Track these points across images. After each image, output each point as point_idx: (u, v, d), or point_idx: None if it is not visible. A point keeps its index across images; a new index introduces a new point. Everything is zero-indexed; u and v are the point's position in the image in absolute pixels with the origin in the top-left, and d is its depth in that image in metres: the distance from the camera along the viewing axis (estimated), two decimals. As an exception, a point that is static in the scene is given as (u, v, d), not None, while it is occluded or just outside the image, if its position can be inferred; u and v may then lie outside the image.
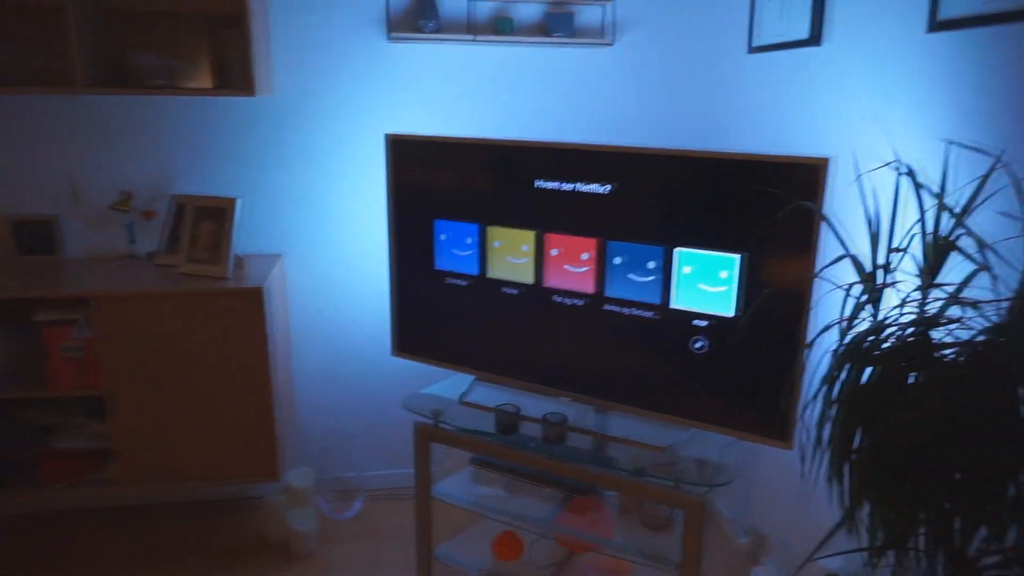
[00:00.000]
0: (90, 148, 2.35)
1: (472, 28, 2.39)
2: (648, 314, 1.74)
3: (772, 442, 1.64)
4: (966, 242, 1.15)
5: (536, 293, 1.88)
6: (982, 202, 1.25)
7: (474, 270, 1.95)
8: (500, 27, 2.36)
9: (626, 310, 1.77)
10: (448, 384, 2.09)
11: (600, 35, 2.46)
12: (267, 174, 2.45)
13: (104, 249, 2.43)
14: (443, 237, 1.98)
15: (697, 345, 1.70)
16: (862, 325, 1.19)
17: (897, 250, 1.25)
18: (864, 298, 1.21)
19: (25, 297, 2.04)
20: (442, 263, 2.00)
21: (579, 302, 1.82)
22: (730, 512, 2.55)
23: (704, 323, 1.67)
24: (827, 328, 1.27)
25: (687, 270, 1.67)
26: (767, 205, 1.54)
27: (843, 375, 1.13)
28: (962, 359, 1.07)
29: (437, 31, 2.32)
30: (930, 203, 1.24)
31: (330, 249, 2.54)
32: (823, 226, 1.49)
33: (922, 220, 1.20)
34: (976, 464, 1.04)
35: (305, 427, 2.69)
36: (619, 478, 1.70)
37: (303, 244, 2.52)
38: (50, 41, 2.21)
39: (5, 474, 2.24)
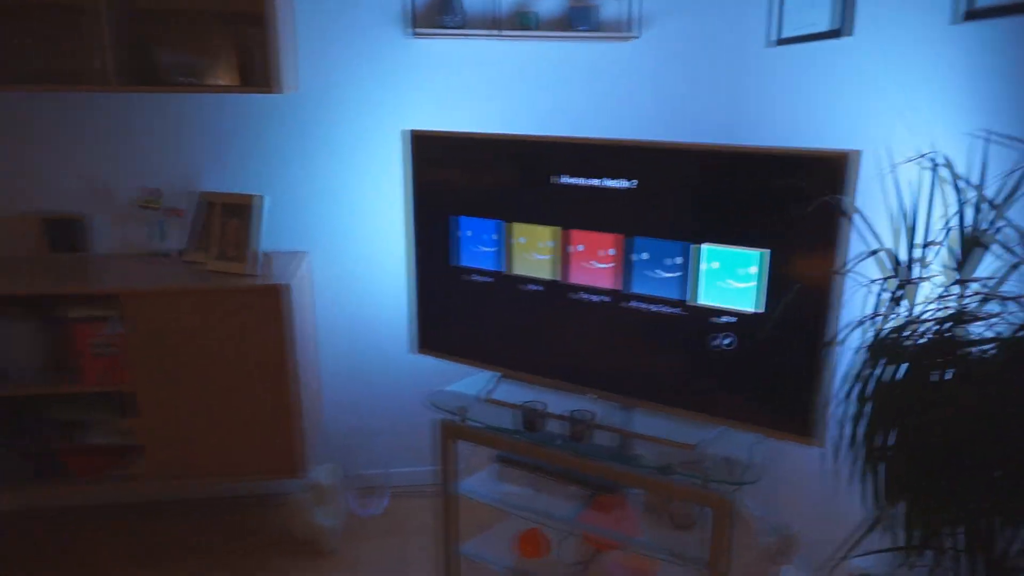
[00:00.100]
0: (118, 146, 2.38)
1: (495, 23, 2.38)
2: (672, 310, 1.72)
3: (800, 439, 1.61)
4: (1001, 235, 1.12)
5: (559, 290, 1.87)
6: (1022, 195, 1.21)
7: (496, 267, 1.94)
8: (523, 21, 2.35)
9: (650, 307, 1.75)
10: (472, 381, 2.08)
11: (624, 29, 2.44)
12: (291, 171, 2.46)
13: (133, 246, 2.46)
14: (465, 234, 1.97)
15: (724, 342, 1.67)
16: (893, 321, 1.16)
17: (928, 244, 1.21)
18: (895, 293, 1.18)
19: (56, 294, 2.07)
20: (463, 260, 1.99)
21: (602, 299, 1.81)
22: (757, 510, 2.51)
23: (729, 319, 1.65)
24: (856, 324, 1.25)
25: (711, 266, 1.65)
26: (792, 200, 1.51)
27: (875, 371, 1.11)
28: (999, 355, 1.04)
29: (460, 26, 2.32)
30: (962, 196, 1.20)
31: (354, 246, 2.55)
32: (850, 221, 1.46)
33: (960, 213, 1.16)
34: (1016, 462, 1.01)
35: (329, 424, 2.70)
36: (645, 476, 1.68)
37: (327, 241, 2.53)
38: (79, 40, 2.24)
39: (36, 468, 2.28)
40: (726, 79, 2.53)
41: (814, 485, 2.11)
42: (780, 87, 2.23)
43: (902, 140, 1.64)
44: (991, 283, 1.09)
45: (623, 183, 1.72)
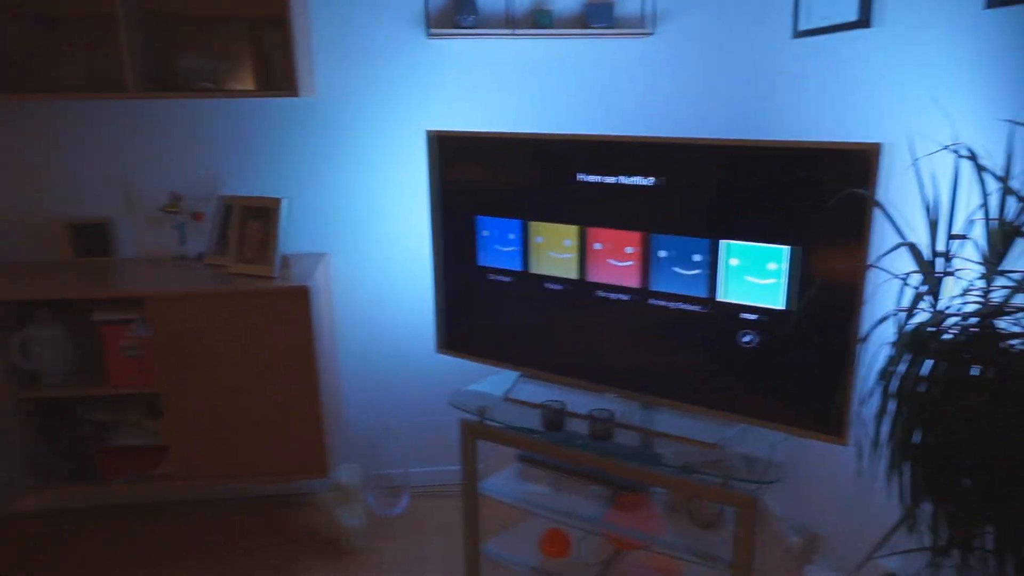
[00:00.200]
0: (141, 151, 2.41)
1: (511, 22, 2.38)
2: (695, 308, 1.71)
3: (826, 438, 1.59)
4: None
5: (580, 288, 1.86)
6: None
7: (517, 266, 1.94)
8: (539, 20, 2.34)
9: (672, 304, 1.74)
10: (493, 381, 2.08)
11: (640, 25, 2.43)
12: (311, 174, 2.48)
13: (157, 250, 2.49)
14: (485, 233, 1.97)
15: (746, 339, 1.66)
16: (921, 316, 1.14)
17: (958, 237, 1.19)
18: (924, 287, 1.16)
19: (84, 297, 2.10)
20: (485, 259, 1.99)
21: (624, 297, 1.80)
22: (781, 510, 2.49)
23: (753, 316, 1.63)
24: (883, 320, 1.23)
25: (734, 262, 1.63)
26: (816, 194, 1.50)
27: (903, 368, 1.09)
28: (1032, 350, 1.02)
29: (476, 26, 2.32)
30: (994, 187, 1.18)
31: (374, 247, 2.56)
32: (876, 214, 1.44)
33: (985, 205, 1.14)
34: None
35: (351, 424, 2.72)
36: (668, 475, 1.67)
37: (348, 242, 2.55)
38: (102, 48, 2.28)
39: (68, 468, 2.32)
40: (744, 73, 2.50)
41: (839, 484, 2.09)
42: (801, 80, 2.20)
43: (931, 130, 1.62)
44: (1021, 276, 1.06)
45: (643, 180, 1.71)
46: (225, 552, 2.40)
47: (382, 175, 2.50)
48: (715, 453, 1.69)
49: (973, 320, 1.08)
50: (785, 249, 1.56)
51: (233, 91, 2.30)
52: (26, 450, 2.25)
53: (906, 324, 1.13)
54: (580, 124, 2.51)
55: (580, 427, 1.83)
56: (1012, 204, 1.12)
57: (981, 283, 1.12)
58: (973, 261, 1.21)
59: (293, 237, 2.53)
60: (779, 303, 1.59)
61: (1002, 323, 1.08)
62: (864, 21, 1.81)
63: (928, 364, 1.09)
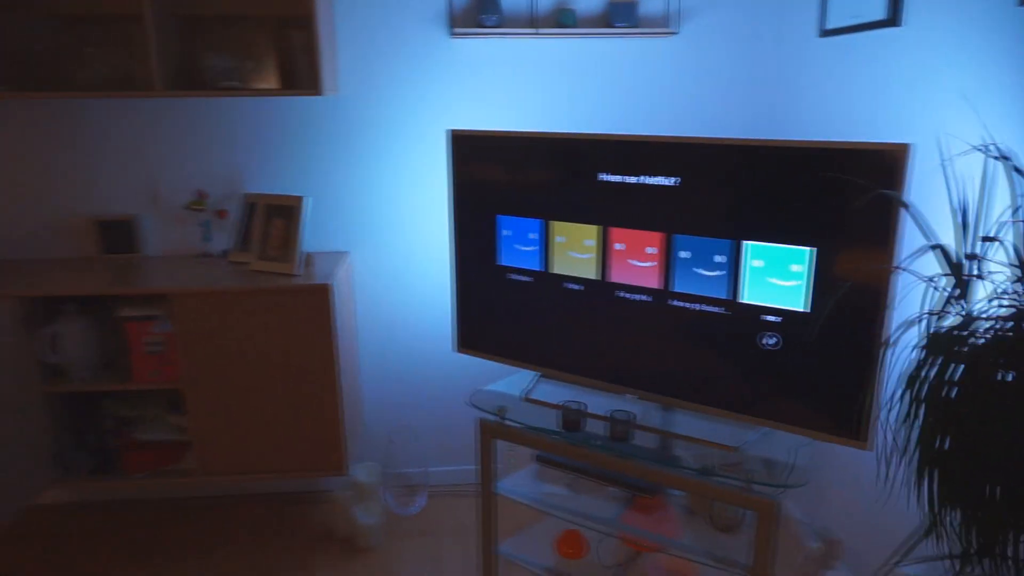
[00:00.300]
0: (166, 149, 2.44)
1: (534, 21, 2.37)
2: (716, 309, 1.69)
3: (848, 442, 1.57)
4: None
5: (600, 289, 1.85)
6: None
7: (537, 266, 1.94)
8: (562, 19, 2.34)
9: (693, 305, 1.72)
10: (512, 381, 2.08)
11: (663, 24, 2.41)
12: (334, 172, 2.50)
13: (181, 247, 2.52)
14: (506, 233, 1.97)
15: (768, 341, 1.64)
16: (949, 319, 1.12)
17: (988, 239, 1.17)
18: (953, 291, 1.14)
19: (110, 294, 2.13)
20: (505, 259, 1.99)
21: (644, 298, 1.79)
22: (801, 514, 2.46)
23: (775, 319, 1.61)
24: (910, 323, 1.21)
25: (757, 264, 1.61)
26: (842, 195, 1.47)
27: (931, 372, 1.07)
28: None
29: (499, 25, 2.32)
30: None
31: (395, 246, 2.57)
32: (902, 216, 1.41)
33: (1018, 207, 1.12)
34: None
35: (369, 422, 2.73)
36: (688, 478, 1.66)
37: (369, 241, 2.56)
38: (129, 47, 2.31)
39: (91, 462, 2.35)
40: (769, 72, 2.48)
41: (860, 489, 2.06)
42: (827, 79, 2.17)
43: (961, 131, 1.59)
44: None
45: (666, 180, 1.70)
46: (242, 548, 2.42)
47: (403, 174, 2.51)
48: (735, 456, 1.67)
49: (1004, 324, 1.05)
50: (809, 251, 1.54)
51: (257, 90, 2.33)
52: (51, 443, 2.29)
53: (934, 328, 1.11)
54: (603, 124, 2.50)
55: (599, 428, 1.82)
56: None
57: (1013, 287, 1.10)
58: (1004, 264, 1.19)
59: (315, 235, 2.54)
60: (802, 305, 1.57)
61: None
62: (893, 19, 1.78)
63: (956, 369, 1.06)
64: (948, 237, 1.63)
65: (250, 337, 2.18)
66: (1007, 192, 1.36)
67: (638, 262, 1.77)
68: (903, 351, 1.74)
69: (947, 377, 1.05)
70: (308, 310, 2.16)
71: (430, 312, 2.63)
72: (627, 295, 1.81)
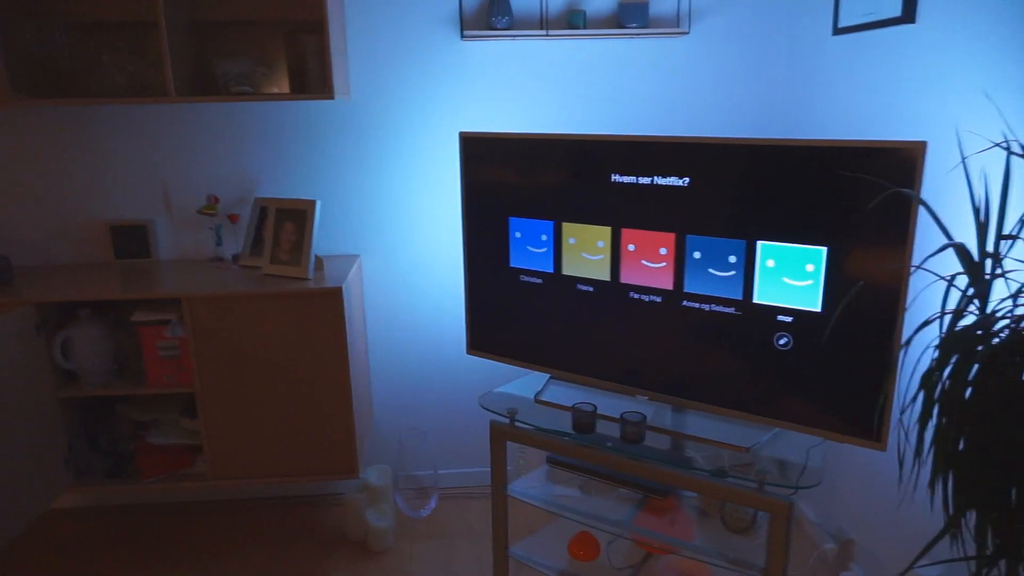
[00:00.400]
0: (179, 154, 2.46)
1: (545, 23, 2.37)
2: (729, 310, 1.68)
3: (864, 443, 1.55)
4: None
5: (612, 290, 1.85)
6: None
7: (549, 267, 1.93)
8: (573, 21, 2.34)
9: (706, 306, 1.71)
10: (523, 383, 2.08)
11: (675, 24, 2.40)
12: (345, 176, 2.50)
13: (193, 252, 2.54)
14: (517, 235, 1.97)
15: (781, 341, 1.63)
16: (967, 319, 1.11)
17: (1008, 237, 1.15)
18: (971, 290, 1.12)
19: (122, 298, 2.15)
20: (516, 261, 1.99)
21: (657, 298, 1.78)
22: (815, 515, 2.44)
23: (789, 319, 1.60)
24: (927, 323, 1.19)
25: (771, 264, 1.60)
26: (857, 194, 1.46)
27: (947, 371, 1.06)
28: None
29: (509, 27, 2.32)
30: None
31: (406, 249, 2.57)
32: (918, 215, 1.40)
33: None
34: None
35: (381, 425, 2.73)
36: (700, 479, 1.65)
37: (380, 244, 2.56)
38: (143, 53, 2.33)
39: (106, 467, 2.36)
40: (783, 71, 2.47)
41: (875, 490, 2.04)
42: (841, 78, 2.16)
43: (979, 127, 1.57)
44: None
45: (678, 181, 1.69)
46: (254, 551, 2.43)
47: (415, 177, 2.51)
48: (749, 457, 1.66)
49: (1022, 324, 1.04)
50: (823, 250, 1.53)
51: (270, 94, 2.34)
52: (65, 448, 2.30)
53: (952, 327, 1.10)
54: (615, 125, 2.50)
55: (611, 430, 1.82)
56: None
57: (1031, 285, 1.09)
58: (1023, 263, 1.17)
59: (326, 238, 2.55)
60: (816, 305, 1.56)
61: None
62: (908, 16, 1.77)
63: (975, 369, 1.05)
64: (964, 236, 1.61)
65: (262, 341, 2.18)
66: (1024, 190, 1.35)
67: (650, 263, 1.77)
68: (920, 351, 1.73)
69: (965, 377, 1.04)
70: (320, 314, 2.17)
71: (440, 314, 2.63)
72: (639, 296, 1.80)
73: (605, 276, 1.85)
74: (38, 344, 2.10)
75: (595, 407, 1.84)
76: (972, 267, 1.14)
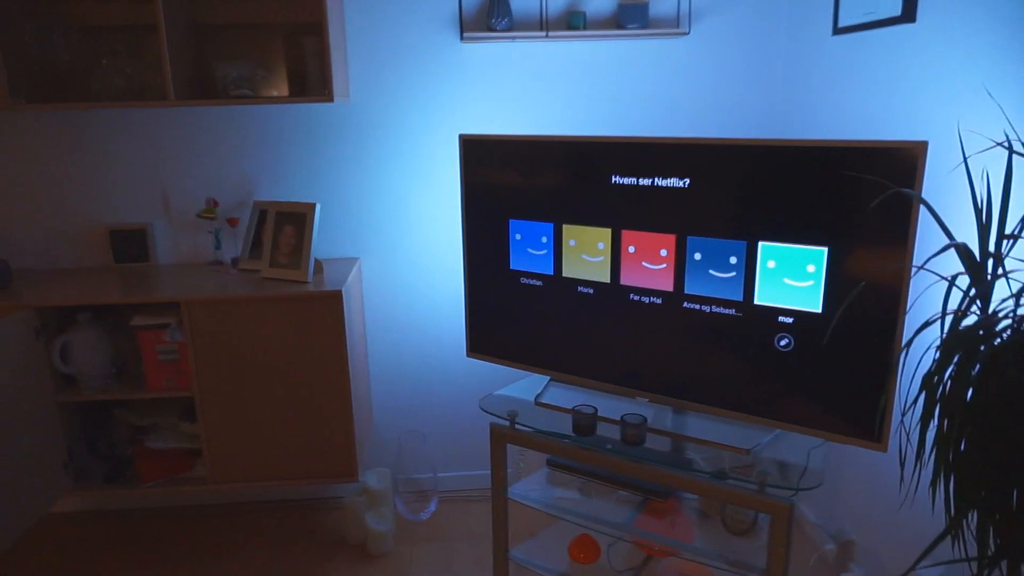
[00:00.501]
0: (178, 158, 2.46)
1: (544, 24, 2.37)
2: (730, 311, 1.68)
3: (864, 444, 1.55)
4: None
5: (612, 292, 1.84)
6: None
7: (549, 270, 1.93)
8: (573, 22, 2.34)
9: (707, 307, 1.71)
10: (523, 385, 2.07)
11: (675, 25, 2.40)
12: (345, 179, 2.50)
13: (192, 255, 2.53)
14: (518, 237, 1.97)
15: (782, 343, 1.62)
16: (969, 319, 1.10)
17: (1010, 236, 1.15)
18: (973, 290, 1.12)
19: (121, 303, 2.14)
20: (517, 263, 1.99)
21: (657, 300, 1.78)
22: (816, 517, 2.43)
23: (790, 320, 1.60)
24: (928, 323, 1.19)
25: (771, 265, 1.60)
26: (858, 194, 1.46)
27: (949, 372, 1.05)
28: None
29: (509, 29, 2.32)
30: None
31: (406, 252, 2.57)
32: (919, 215, 1.40)
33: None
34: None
35: (380, 428, 2.73)
36: (701, 481, 1.64)
37: (380, 247, 2.56)
38: (142, 56, 2.32)
39: (105, 471, 2.36)
40: (782, 71, 2.47)
41: (876, 491, 2.03)
42: (842, 78, 2.16)
43: (980, 127, 1.57)
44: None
45: (678, 182, 1.69)
46: (254, 555, 2.42)
47: (415, 180, 2.51)
48: (749, 458, 1.66)
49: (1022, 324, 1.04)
50: (824, 251, 1.52)
51: (269, 97, 2.34)
52: (64, 452, 2.29)
53: (954, 328, 1.09)
54: (615, 126, 2.50)
55: (611, 432, 1.81)
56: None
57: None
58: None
59: (326, 242, 2.55)
60: (817, 306, 1.56)
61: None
62: (908, 15, 1.77)
63: (976, 369, 1.05)
64: (965, 236, 1.61)
65: (261, 344, 2.18)
66: (1025, 190, 1.34)
67: (650, 265, 1.76)
68: (922, 352, 1.72)
69: (967, 378, 1.04)
70: (319, 317, 2.16)
71: (440, 317, 2.63)
72: (640, 298, 1.80)
73: (605, 278, 1.84)
74: (37, 348, 2.09)
75: (595, 409, 1.83)
76: (974, 267, 1.14)
